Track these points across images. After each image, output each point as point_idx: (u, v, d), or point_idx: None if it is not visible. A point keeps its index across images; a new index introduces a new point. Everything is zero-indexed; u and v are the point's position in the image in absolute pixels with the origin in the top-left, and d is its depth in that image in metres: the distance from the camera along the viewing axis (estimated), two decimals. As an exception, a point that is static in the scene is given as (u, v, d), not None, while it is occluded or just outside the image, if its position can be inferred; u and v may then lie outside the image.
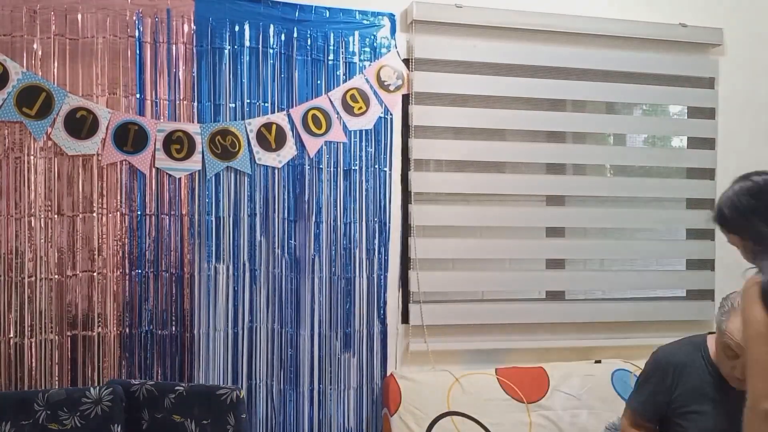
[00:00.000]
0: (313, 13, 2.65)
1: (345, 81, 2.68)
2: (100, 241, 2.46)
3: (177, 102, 2.52)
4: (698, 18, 3.03)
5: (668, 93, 3.04)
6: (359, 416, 2.70)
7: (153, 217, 2.51)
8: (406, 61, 2.75)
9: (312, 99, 2.65)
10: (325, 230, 2.66)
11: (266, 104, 2.60)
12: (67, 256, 2.44)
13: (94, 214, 2.46)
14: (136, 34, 2.49)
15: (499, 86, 2.85)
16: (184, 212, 2.53)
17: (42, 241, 2.42)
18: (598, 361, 2.82)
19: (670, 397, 2.15)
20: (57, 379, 2.43)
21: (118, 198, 2.48)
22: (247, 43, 2.57)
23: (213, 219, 2.55)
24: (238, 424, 2.25)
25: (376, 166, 2.72)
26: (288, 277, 2.63)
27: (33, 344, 2.41)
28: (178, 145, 2.52)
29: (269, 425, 2.62)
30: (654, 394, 2.19)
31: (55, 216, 2.43)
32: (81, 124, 2.43)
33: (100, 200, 2.46)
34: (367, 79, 2.70)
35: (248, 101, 2.58)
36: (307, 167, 2.64)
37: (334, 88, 2.67)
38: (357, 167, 2.69)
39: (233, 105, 2.57)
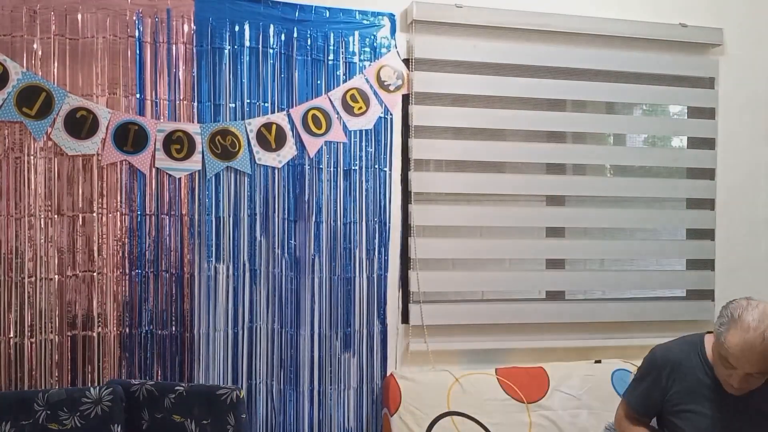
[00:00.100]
0: (313, 13, 2.65)
1: (345, 81, 2.68)
2: (100, 241, 2.46)
3: (177, 102, 2.52)
4: (698, 18, 3.03)
5: (668, 93, 3.04)
6: (359, 416, 2.70)
7: (153, 217, 2.51)
8: (406, 61, 2.75)
9: (312, 99, 2.65)
10: (325, 230, 2.66)
11: (266, 104, 2.60)
12: (67, 256, 2.44)
13: (94, 214, 2.46)
14: (136, 34, 2.48)
15: (499, 86, 2.85)
16: (184, 212, 2.53)
17: (42, 241, 2.42)
18: (598, 361, 2.82)
19: (666, 396, 2.16)
20: (57, 379, 2.44)
21: (118, 198, 2.48)
22: (247, 43, 2.57)
23: (213, 219, 2.55)
24: (238, 424, 2.25)
25: (376, 166, 2.72)
26: (288, 277, 2.63)
27: (33, 344, 2.41)
28: (178, 145, 2.52)
29: (269, 425, 2.62)
30: (649, 391, 2.20)
31: (55, 216, 2.43)
32: (81, 124, 2.43)
33: (100, 200, 2.46)
34: (367, 79, 2.70)
35: (248, 101, 2.58)
36: (307, 167, 2.64)
37: (334, 88, 2.67)
38: (357, 167, 2.69)
39: (233, 105, 2.57)
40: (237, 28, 2.56)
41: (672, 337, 2.28)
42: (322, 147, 2.66)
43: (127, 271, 2.49)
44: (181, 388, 2.30)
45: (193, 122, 2.54)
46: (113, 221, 2.47)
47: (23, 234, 2.40)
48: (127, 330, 2.49)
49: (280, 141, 2.61)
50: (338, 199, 2.67)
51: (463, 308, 2.86)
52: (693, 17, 3.02)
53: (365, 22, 2.70)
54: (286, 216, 2.62)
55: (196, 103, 2.54)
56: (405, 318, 2.78)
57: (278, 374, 2.63)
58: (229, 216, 2.57)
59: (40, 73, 2.41)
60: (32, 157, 2.41)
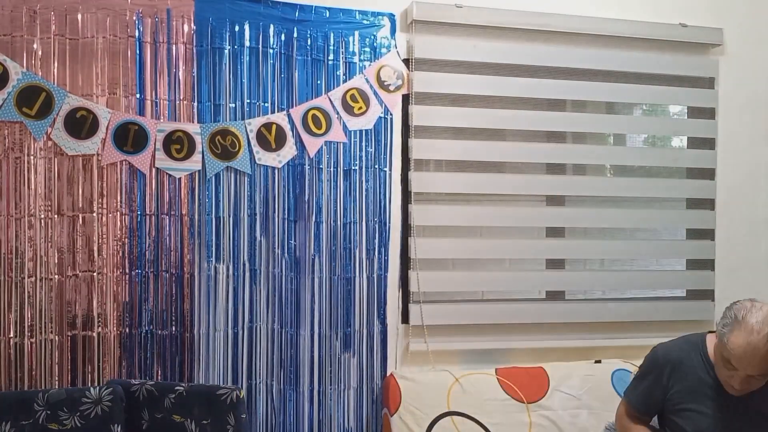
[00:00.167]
0: (313, 13, 2.65)
1: (345, 81, 2.68)
2: (100, 241, 2.46)
3: (177, 102, 2.52)
4: (698, 18, 3.03)
5: (668, 93, 3.04)
6: (359, 416, 2.70)
7: (153, 217, 2.51)
8: (406, 61, 2.75)
9: (312, 99, 2.65)
10: (325, 230, 2.66)
11: (266, 104, 2.60)
12: (67, 256, 2.44)
13: (94, 214, 2.46)
14: (136, 34, 2.48)
15: (499, 86, 2.85)
16: (184, 212, 2.53)
17: (42, 241, 2.42)
18: (598, 361, 2.82)
19: (666, 395, 2.16)
20: (57, 379, 2.43)
21: (118, 198, 2.48)
22: (247, 43, 2.57)
23: (213, 219, 2.55)
24: (238, 424, 2.25)
25: (376, 166, 2.72)
26: (288, 277, 2.63)
27: (33, 344, 2.41)
28: (178, 145, 2.52)
29: (269, 425, 2.62)
30: (650, 390, 2.20)
31: (55, 216, 2.43)
32: (81, 124, 2.43)
33: (100, 200, 2.46)
34: (367, 79, 2.70)
35: (248, 101, 2.58)
36: (307, 167, 2.64)
37: (334, 88, 2.67)
38: (357, 167, 2.69)
39: (233, 105, 2.57)
40: (237, 28, 2.56)
41: (672, 337, 2.27)
42: (322, 147, 2.66)
43: (127, 271, 2.49)
44: (181, 388, 2.30)
45: (193, 122, 2.54)
46: (113, 221, 2.47)
47: (23, 234, 2.40)
48: (127, 330, 2.49)
49: (280, 141, 2.61)
50: (338, 199, 2.67)
51: (463, 308, 2.86)
52: (693, 17, 3.02)
53: (365, 22, 2.70)
54: (286, 216, 2.62)
55: (196, 103, 2.54)
56: (405, 318, 2.78)
57: (278, 374, 2.63)
58: (229, 216, 2.57)
59: (40, 73, 2.41)
60: (32, 157, 2.41)
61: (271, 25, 2.60)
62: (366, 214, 2.70)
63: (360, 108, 2.69)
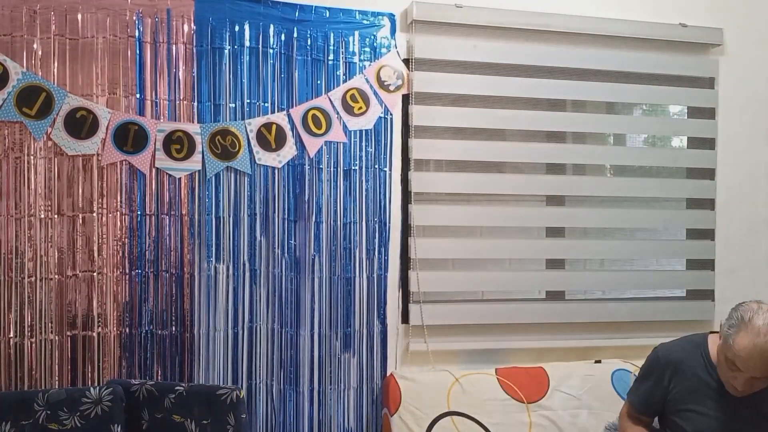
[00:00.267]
0: (313, 13, 2.65)
1: (345, 81, 2.68)
2: (100, 241, 2.46)
3: (177, 102, 2.52)
4: (698, 18, 3.03)
5: (668, 93, 3.04)
6: (359, 416, 2.70)
7: (153, 217, 2.51)
8: (406, 61, 2.75)
9: (312, 99, 2.65)
10: (325, 230, 2.66)
11: (266, 104, 2.60)
12: (67, 256, 2.44)
13: (94, 214, 2.46)
14: (136, 34, 2.48)
15: (499, 86, 2.85)
16: (184, 212, 2.53)
17: (42, 241, 2.42)
18: (598, 361, 2.82)
19: (667, 395, 2.16)
20: (57, 379, 2.43)
21: (118, 198, 2.48)
22: (247, 43, 2.57)
23: (213, 219, 2.55)
24: (238, 424, 2.25)
25: (376, 166, 2.72)
26: (288, 277, 2.63)
27: (33, 344, 2.41)
28: (178, 145, 2.52)
29: (269, 425, 2.62)
30: (652, 390, 2.20)
31: (55, 216, 2.43)
32: (81, 124, 2.43)
33: (100, 200, 2.46)
34: (367, 79, 2.70)
35: (248, 101, 2.58)
36: (307, 167, 2.64)
37: (334, 88, 2.67)
38: (357, 167, 2.69)
39: (233, 105, 2.57)
40: (237, 28, 2.56)
41: (672, 337, 2.27)
42: (322, 147, 2.66)
43: (127, 271, 2.49)
44: (181, 388, 2.30)
45: (193, 122, 2.54)
46: (113, 221, 2.47)
47: (23, 234, 2.40)
48: (127, 330, 2.49)
49: (280, 141, 2.61)
50: (338, 199, 2.67)
51: (463, 308, 2.86)
52: (693, 17, 3.02)
53: (365, 22, 2.70)
54: (286, 216, 2.62)
55: (196, 103, 2.54)
56: (405, 318, 2.78)
57: (278, 374, 2.63)
58: (229, 216, 2.57)
59: (40, 73, 2.41)
60: (32, 157, 2.41)
61: (271, 25, 2.60)
62: (366, 214, 2.70)
63: (360, 108, 2.69)
